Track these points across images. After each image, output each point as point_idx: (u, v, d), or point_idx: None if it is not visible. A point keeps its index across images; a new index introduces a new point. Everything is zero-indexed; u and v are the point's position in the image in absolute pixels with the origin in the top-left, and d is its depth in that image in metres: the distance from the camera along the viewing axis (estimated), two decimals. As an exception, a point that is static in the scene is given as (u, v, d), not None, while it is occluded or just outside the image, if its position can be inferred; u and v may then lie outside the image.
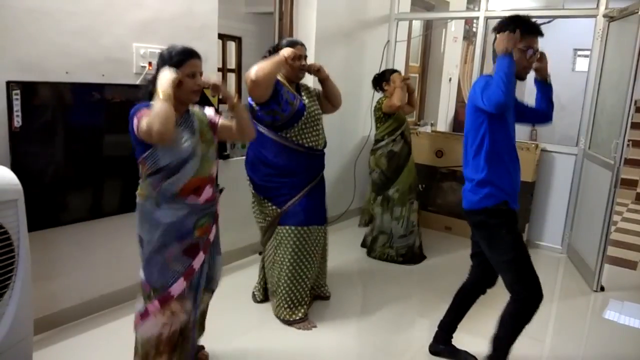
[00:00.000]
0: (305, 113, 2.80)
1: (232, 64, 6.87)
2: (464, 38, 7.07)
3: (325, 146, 2.96)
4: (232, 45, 6.81)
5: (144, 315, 2.00)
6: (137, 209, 1.99)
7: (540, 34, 2.17)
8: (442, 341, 2.59)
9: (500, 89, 2.01)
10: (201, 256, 2.06)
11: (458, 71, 7.00)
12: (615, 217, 5.40)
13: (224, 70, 6.75)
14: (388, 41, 5.08)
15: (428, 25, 6.49)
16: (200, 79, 1.96)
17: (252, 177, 2.89)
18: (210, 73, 2.21)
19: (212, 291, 2.29)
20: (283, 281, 2.87)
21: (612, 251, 4.25)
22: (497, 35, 2.16)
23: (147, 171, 1.93)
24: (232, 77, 6.94)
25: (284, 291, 2.87)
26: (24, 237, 1.93)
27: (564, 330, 3.11)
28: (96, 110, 2.62)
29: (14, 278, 1.90)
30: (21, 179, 1.95)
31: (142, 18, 2.82)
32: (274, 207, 2.86)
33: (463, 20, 6.71)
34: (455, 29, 6.61)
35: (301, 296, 2.90)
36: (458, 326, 2.59)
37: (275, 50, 2.80)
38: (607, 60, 3.92)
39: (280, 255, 2.87)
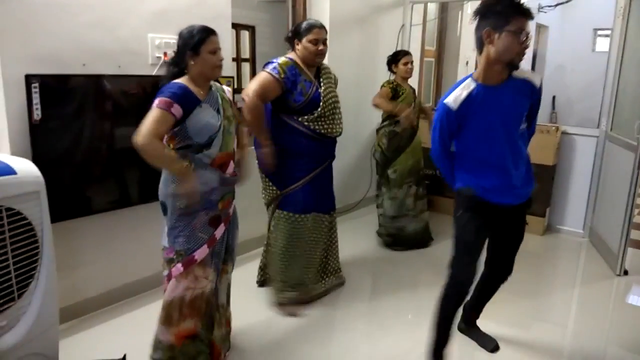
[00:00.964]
0: (321, 103, 2.77)
1: (246, 53, 6.86)
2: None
3: (340, 134, 2.92)
4: (245, 35, 6.79)
5: (168, 277, 2.10)
6: (163, 173, 2.07)
7: (530, 16, 1.95)
8: (467, 321, 2.62)
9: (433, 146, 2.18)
10: (222, 227, 2.16)
11: (475, 54, 6.90)
12: (638, 200, 5.29)
13: (238, 59, 6.74)
14: (403, 25, 5.01)
15: (444, 8, 6.38)
16: (221, 54, 2.06)
17: (257, 151, 2.85)
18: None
19: (233, 261, 2.36)
20: (275, 265, 2.88)
21: (635, 234, 4.17)
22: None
23: (177, 145, 2.03)
24: (246, 67, 6.93)
25: (274, 274, 2.89)
26: (47, 228, 1.95)
27: (587, 315, 3.07)
28: (113, 101, 2.64)
29: (39, 268, 1.93)
30: (42, 171, 1.98)
31: (156, 9, 2.82)
32: (274, 187, 2.85)
33: (480, 2, 6.59)
34: (471, 11, 6.50)
35: (289, 282, 2.86)
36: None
37: (294, 34, 2.77)
38: (629, 39, 3.81)
39: (274, 239, 2.87)
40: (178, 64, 2.04)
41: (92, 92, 2.56)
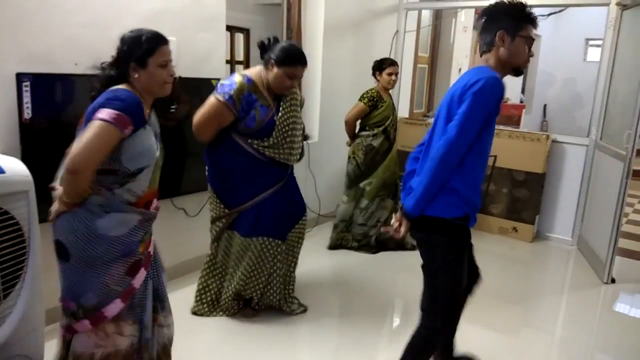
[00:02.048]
0: (274, 132, 2.56)
1: (240, 56, 6.85)
2: (474, 28, 6.99)
3: (297, 161, 2.78)
4: (240, 37, 6.79)
5: (70, 330, 1.75)
6: (68, 203, 1.65)
7: (536, 24, 1.94)
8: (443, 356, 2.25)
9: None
10: (142, 273, 1.78)
11: (468, 61, 6.94)
12: (627, 209, 5.35)
13: (232, 62, 6.74)
14: (397, 31, 5.03)
15: (437, 15, 6.42)
16: (172, 69, 1.74)
17: (207, 163, 2.69)
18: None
19: (167, 310, 1.93)
20: (231, 288, 2.73)
21: (623, 243, 4.21)
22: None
23: (98, 167, 1.62)
24: (240, 70, 6.92)
25: (229, 294, 2.75)
26: (35, 228, 1.94)
27: (574, 323, 3.09)
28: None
29: (26, 269, 1.91)
30: (32, 171, 1.96)
31: (150, 9, 2.81)
32: (222, 205, 2.67)
33: (473, 10, 6.63)
34: (465, 19, 6.55)
35: (240, 295, 2.75)
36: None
37: (273, 57, 2.50)
38: (620, 49, 3.86)
39: (221, 257, 2.75)
40: (118, 70, 1.70)
41: (83, 91, 2.54)
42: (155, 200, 1.83)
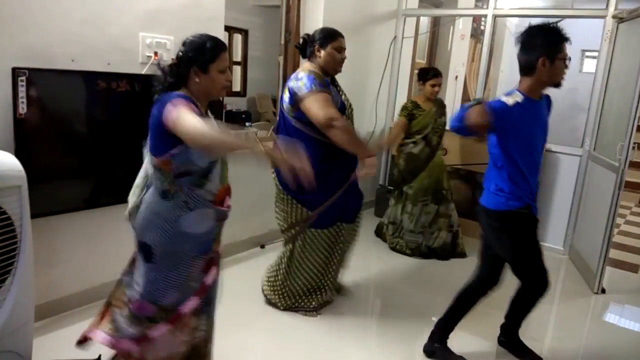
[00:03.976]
0: (346, 112, 2.70)
1: (238, 56, 6.86)
2: (472, 36, 7.04)
3: None
4: (238, 38, 6.80)
5: (139, 340, 1.73)
6: (148, 208, 1.71)
7: (569, 40, 2.19)
8: (437, 340, 2.56)
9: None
10: (214, 270, 1.84)
11: (465, 69, 6.98)
12: (619, 220, 5.38)
13: (230, 62, 6.74)
14: (395, 37, 5.05)
15: (436, 22, 6.46)
16: (229, 74, 1.78)
17: (279, 172, 2.70)
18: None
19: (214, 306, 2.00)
20: (304, 277, 2.84)
21: (614, 254, 4.23)
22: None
23: (174, 172, 1.66)
24: (237, 70, 6.93)
25: (302, 284, 2.86)
26: (26, 224, 1.93)
27: (564, 332, 3.10)
28: (101, 98, 2.62)
29: (16, 264, 1.90)
30: (25, 166, 1.95)
31: (149, 8, 2.81)
32: (302, 208, 2.71)
33: (471, 18, 6.68)
34: (463, 27, 6.59)
35: (317, 287, 2.90)
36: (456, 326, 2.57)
37: (315, 41, 2.65)
38: (615, 61, 3.89)
39: (308, 255, 2.80)
40: (177, 76, 1.72)
41: (79, 88, 2.54)
42: (227, 198, 1.86)
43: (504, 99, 2.18)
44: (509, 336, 2.65)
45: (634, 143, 3.34)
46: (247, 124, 3.69)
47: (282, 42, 4.19)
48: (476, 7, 6.40)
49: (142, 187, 1.80)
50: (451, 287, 2.61)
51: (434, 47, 6.72)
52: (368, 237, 4.29)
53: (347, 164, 2.72)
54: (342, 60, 2.69)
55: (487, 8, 4.60)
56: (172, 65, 1.74)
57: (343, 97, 2.78)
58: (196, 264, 1.76)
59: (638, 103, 3.28)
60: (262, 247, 3.86)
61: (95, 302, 2.85)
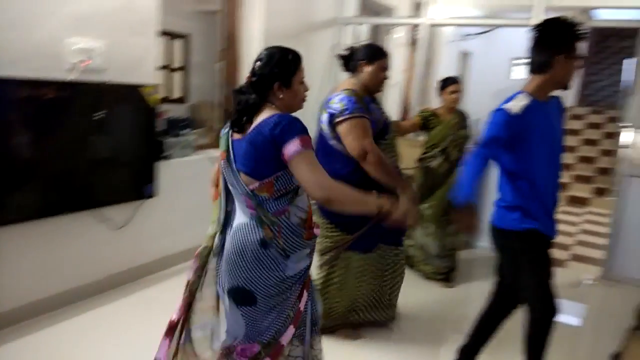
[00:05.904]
0: (389, 131, 2.63)
1: (179, 62, 6.72)
2: (411, 44, 7.24)
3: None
4: (178, 44, 6.67)
5: None
6: (247, 256, 1.63)
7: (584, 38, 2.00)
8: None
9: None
10: (305, 295, 1.78)
11: (404, 76, 7.16)
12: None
13: (170, 68, 6.59)
14: (335, 44, 5.12)
15: (375, 30, 6.60)
16: (307, 85, 1.76)
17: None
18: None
19: (319, 336, 1.91)
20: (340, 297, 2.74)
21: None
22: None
23: (276, 194, 1.60)
24: (176, 77, 6.79)
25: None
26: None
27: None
28: (27, 106, 2.50)
29: None
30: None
31: (77, 12, 2.71)
32: (340, 232, 2.59)
33: (409, 27, 6.87)
34: (401, 35, 6.76)
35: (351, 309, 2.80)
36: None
37: (365, 55, 2.57)
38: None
39: (342, 276, 2.70)
40: (260, 92, 1.65)
41: (3, 95, 2.42)
42: (314, 217, 1.80)
43: (507, 106, 1.99)
44: None
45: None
46: (186, 130, 3.60)
47: (221, 48, 4.16)
48: (413, 16, 6.60)
49: (223, 224, 1.76)
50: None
51: (374, 55, 6.85)
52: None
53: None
54: (385, 79, 2.63)
55: (422, 17, 4.75)
56: (253, 83, 1.66)
57: (384, 115, 2.66)
58: (293, 296, 1.72)
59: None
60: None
61: (40, 315, 2.76)
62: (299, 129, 1.55)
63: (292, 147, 1.52)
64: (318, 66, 4.98)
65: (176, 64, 6.74)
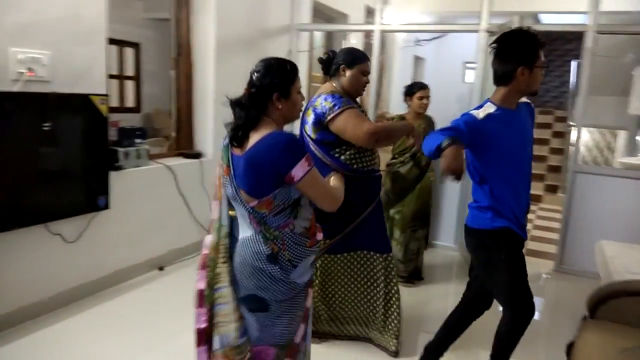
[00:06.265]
0: None
1: (129, 71, 6.58)
2: (365, 50, 7.34)
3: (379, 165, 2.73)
4: (129, 52, 6.53)
5: None
6: (258, 271, 1.66)
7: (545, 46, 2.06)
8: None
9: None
10: (310, 293, 1.87)
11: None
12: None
13: (121, 77, 6.45)
14: (290, 51, 5.13)
15: (329, 37, 6.65)
16: (302, 94, 1.76)
17: None
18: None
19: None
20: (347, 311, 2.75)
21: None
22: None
23: (274, 210, 1.62)
24: (129, 84, 6.65)
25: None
26: None
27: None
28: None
29: None
30: None
31: (20, 21, 2.62)
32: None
33: (363, 33, 6.96)
34: (356, 41, 6.84)
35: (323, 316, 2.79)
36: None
37: (344, 60, 2.55)
38: (490, 71, 4.23)
39: (334, 284, 2.69)
40: (259, 103, 1.64)
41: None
42: (317, 224, 1.83)
43: (474, 112, 2.07)
44: None
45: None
46: (140, 139, 3.51)
47: (174, 56, 4.10)
48: (366, 22, 6.69)
49: (228, 232, 1.77)
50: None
51: (329, 60, 6.90)
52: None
53: (366, 190, 2.59)
54: (366, 84, 2.61)
55: (375, 24, 4.81)
56: (252, 94, 1.65)
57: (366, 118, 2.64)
58: (303, 296, 1.79)
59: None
60: (161, 269, 3.70)
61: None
62: (300, 148, 1.59)
63: (300, 170, 1.56)
64: (274, 73, 4.96)
65: (129, 73, 6.61)
